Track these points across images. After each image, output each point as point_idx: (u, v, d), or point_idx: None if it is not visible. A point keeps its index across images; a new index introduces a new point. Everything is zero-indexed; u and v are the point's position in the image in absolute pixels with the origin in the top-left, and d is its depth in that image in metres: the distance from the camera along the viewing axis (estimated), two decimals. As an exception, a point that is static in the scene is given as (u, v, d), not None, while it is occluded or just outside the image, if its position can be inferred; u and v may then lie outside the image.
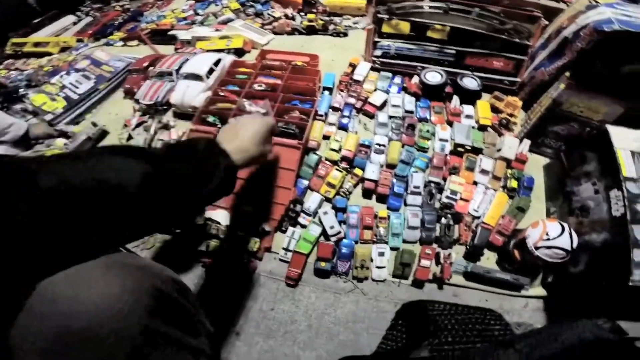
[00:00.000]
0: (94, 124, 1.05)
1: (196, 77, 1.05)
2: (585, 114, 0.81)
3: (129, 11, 1.73)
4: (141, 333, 0.34)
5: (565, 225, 0.68)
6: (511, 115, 0.92)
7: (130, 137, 1.04)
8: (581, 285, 0.70)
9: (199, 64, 1.08)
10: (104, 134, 1.06)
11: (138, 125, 1.07)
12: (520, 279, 0.74)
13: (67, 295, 0.33)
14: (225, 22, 1.37)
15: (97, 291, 0.34)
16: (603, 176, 0.69)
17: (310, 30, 1.26)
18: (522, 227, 0.78)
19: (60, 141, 1.03)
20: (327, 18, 1.31)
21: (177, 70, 1.12)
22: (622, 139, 0.69)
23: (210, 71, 1.07)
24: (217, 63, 1.10)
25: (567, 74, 0.80)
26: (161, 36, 1.43)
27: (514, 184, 0.83)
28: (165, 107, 1.08)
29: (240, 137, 0.59)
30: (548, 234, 0.67)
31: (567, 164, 0.81)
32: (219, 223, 0.82)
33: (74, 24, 1.69)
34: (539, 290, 0.76)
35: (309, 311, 0.76)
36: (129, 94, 1.15)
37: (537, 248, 0.67)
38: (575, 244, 0.66)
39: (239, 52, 1.21)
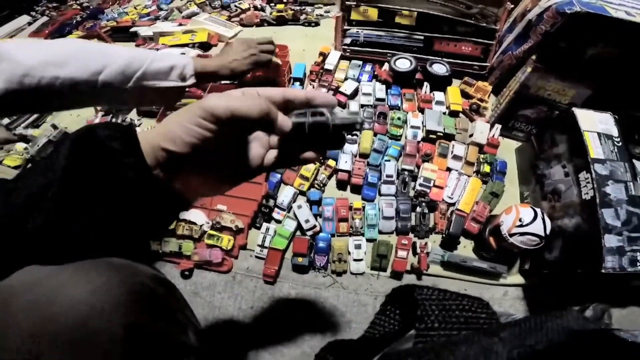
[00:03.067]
0: (55, 127, 0.99)
1: (159, 73, 1.01)
2: (554, 97, 0.82)
3: (88, 9, 1.65)
4: (126, 330, 0.31)
5: (538, 210, 0.68)
6: (481, 100, 0.92)
7: None
8: (557, 273, 0.70)
9: (162, 60, 1.03)
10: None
11: None
12: (497, 267, 0.74)
13: (45, 296, 0.30)
14: (189, 16, 1.32)
15: (78, 290, 0.30)
16: (572, 158, 0.70)
17: (281, 21, 1.22)
18: (497, 212, 0.78)
19: (20, 145, 0.96)
20: (297, 7, 1.27)
21: (140, 68, 1.06)
22: (589, 121, 0.70)
23: (174, 67, 1.03)
24: (181, 58, 1.05)
25: (534, 57, 0.80)
26: (122, 33, 1.36)
27: (486, 168, 0.83)
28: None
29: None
30: (521, 219, 0.66)
31: (537, 147, 0.82)
32: (193, 223, 0.78)
33: (29, 24, 1.59)
34: (517, 278, 0.76)
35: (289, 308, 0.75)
36: (90, 94, 1.10)
37: (511, 235, 0.67)
38: (548, 230, 0.66)
39: (205, 46, 1.17)
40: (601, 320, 0.61)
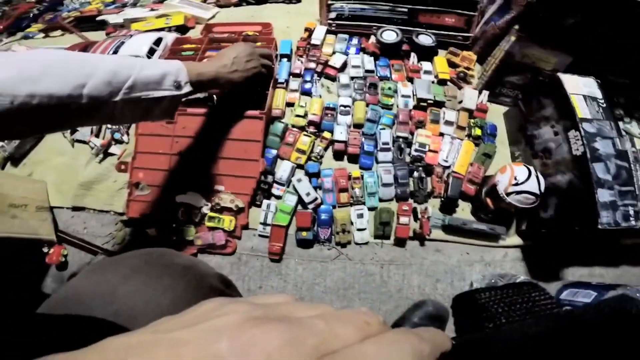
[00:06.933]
0: None
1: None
2: (537, 64, 0.85)
3: (45, 1, 1.54)
4: None
5: (532, 168, 0.70)
6: (468, 68, 0.94)
7: (75, 131, 0.92)
8: (554, 231, 0.71)
9: (137, 45, 0.98)
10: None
11: None
12: (496, 228, 0.76)
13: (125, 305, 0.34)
14: (161, 1, 1.26)
15: (154, 301, 0.35)
16: (561, 119, 0.72)
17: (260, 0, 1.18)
18: (491, 173, 0.80)
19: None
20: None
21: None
22: (574, 85, 0.73)
23: (152, 51, 0.98)
24: (157, 42, 1.00)
25: (516, 27, 0.82)
26: (88, 23, 1.28)
27: (478, 132, 0.85)
28: (107, 94, 0.98)
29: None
30: (516, 178, 0.68)
31: (525, 111, 0.84)
32: (192, 207, 0.75)
33: (-21, 23, 1.46)
34: (516, 240, 0.78)
35: (298, 284, 0.74)
36: (65, 87, 1.03)
37: (508, 194, 0.68)
38: (543, 187, 0.68)
39: (182, 29, 1.12)
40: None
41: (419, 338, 0.17)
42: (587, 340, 0.20)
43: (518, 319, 0.31)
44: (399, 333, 0.17)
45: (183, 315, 0.17)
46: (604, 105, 0.72)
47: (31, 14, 1.44)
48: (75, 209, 0.85)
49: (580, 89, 0.73)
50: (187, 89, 0.59)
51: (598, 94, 0.73)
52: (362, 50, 0.95)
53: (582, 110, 0.70)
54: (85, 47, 1.09)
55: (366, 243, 0.77)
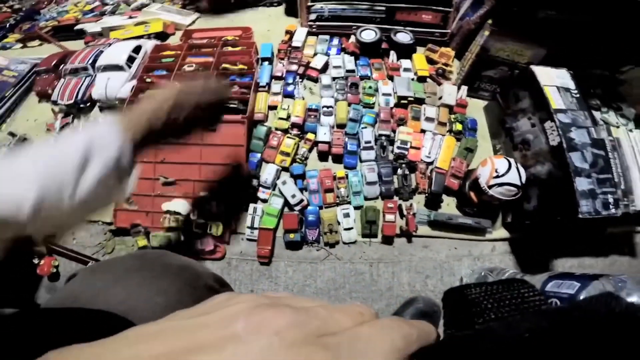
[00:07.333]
0: (12, 134, 0.93)
1: (116, 67, 0.95)
2: (513, 58, 0.86)
3: (21, 11, 1.52)
4: None
5: (512, 160, 0.70)
6: (446, 64, 0.95)
7: None
8: (538, 222, 0.72)
9: (116, 54, 0.98)
10: (25, 143, 0.95)
11: (63, 127, 0.96)
12: (481, 221, 0.76)
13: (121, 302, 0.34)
14: (139, 8, 1.25)
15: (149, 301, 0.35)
16: (537, 111, 0.73)
17: (241, 4, 1.18)
18: (473, 167, 0.81)
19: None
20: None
21: (93, 64, 1.00)
22: (547, 77, 0.74)
23: (131, 59, 0.98)
24: (137, 50, 1.00)
25: (490, 21, 0.83)
26: (66, 32, 1.27)
27: (458, 127, 0.86)
28: (88, 104, 0.97)
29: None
30: (497, 170, 0.69)
31: (503, 104, 0.86)
32: (178, 214, 0.75)
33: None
34: (502, 232, 0.79)
35: (289, 286, 0.74)
36: (44, 97, 1.03)
37: (490, 187, 0.69)
38: (523, 178, 0.68)
39: (162, 36, 1.12)
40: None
41: (409, 324, 0.19)
42: (573, 340, 0.21)
43: (507, 315, 0.32)
44: (390, 319, 0.19)
45: (197, 307, 0.18)
46: (578, 95, 0.73)
47: (7, 24, 1.42)
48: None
49: (554, 80, 0.74)
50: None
51: (571, 85, 0.74)
52: (342, 50, 0.96)
53: (555, 101, 0.71)
54: (64, 56, 1.08)
55: (354, 242, 0.78)
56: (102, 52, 1.02)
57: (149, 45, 1.03)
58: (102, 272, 0.39)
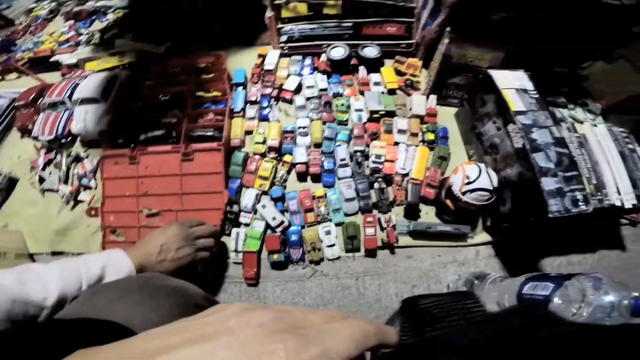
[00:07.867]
0: None
1: (92, 100, 0.96)
2: (475, 63, 0.88)
3: (-4, 42, 1.51)
4: None
5: (482, 165, 0.72)
6: (414, 75, 0.98)
7: (42, 179, 0.94)
8: (515, 224, 0.73)
9: (91, 86, 0.98)
10: (12, 181, 0.97)
11: (47, 164, 0.97)
12: (461, 227, 0.77)
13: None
14: (113, 39, 1.26)
15: (144, 317, 0.39)
16: (500, 114, 0.76)
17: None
18: (448, 175, 0.83)
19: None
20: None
21: (70, 97, 1.01)
22: (504, 80, 0.76)
23: (107, 91, 0.98)
24: (113, 81, 1.01)
25: (448, 29, 0.85)
26: (43, 64, 1.27)
27: (430, 136, 0.89)
28: (69, 138, 0.98)
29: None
30: (468, 177, 0.70)
31: (471, 110, 0.88)
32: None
33: None
34: (484, 237, 0.80)
35: (278, 305, 0.76)
36: (25, 132, 1.04)
37: (463, 193, 0.70)
38: (495, 182, 0.70)
39: (136, 65, 1.13)
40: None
41: (370, 323, 0.24)
42: (503, 349, 0.24)
43: (455, 324, 0.35)
44: (355, 319, 0.24)
45: (198, 314, 0.24)
46: (537, 96, 0.75)
47: (-18, 57, 1.42)
48: (55, 253, 0.86)
49: (512, 82, 0.76)
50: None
51: (529, 86, 0.76)
52: (315, 69, 0.98)
53: (515, 103, 0.73)
54: (42, 89, 1.09)
55: (338, 258, 0.80)
56: (78, 84, 1.03)
57: (123, 75, 1.05)
58: (104, 292, 0.43)
